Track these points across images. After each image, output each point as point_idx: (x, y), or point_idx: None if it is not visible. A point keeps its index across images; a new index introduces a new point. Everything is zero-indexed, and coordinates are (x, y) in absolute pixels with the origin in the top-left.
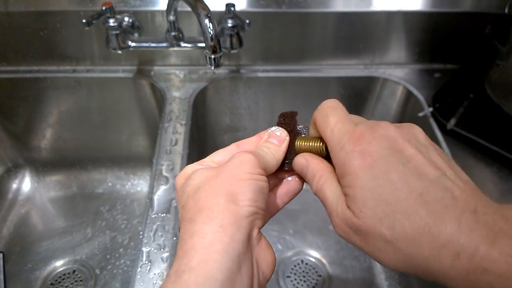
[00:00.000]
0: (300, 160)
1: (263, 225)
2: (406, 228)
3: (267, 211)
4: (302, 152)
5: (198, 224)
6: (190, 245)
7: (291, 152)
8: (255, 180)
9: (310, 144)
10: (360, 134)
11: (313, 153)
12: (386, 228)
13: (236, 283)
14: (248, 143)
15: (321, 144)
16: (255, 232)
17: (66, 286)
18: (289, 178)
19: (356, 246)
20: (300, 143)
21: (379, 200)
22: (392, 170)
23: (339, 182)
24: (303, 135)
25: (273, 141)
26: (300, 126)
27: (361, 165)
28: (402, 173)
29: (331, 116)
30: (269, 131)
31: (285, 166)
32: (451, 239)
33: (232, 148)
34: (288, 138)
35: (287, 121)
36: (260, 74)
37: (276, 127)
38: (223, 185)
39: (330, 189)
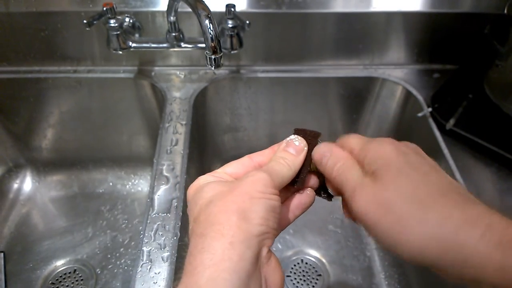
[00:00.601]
0: (322, 148)
1: (272, 244)
2: (437, 199)
3: (278, 226)
4: (318, 171)
5: (208, 239)
6: (199, 261)
7: (304, 171)
8: (267, 199)
9: None
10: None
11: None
12: (417, 199)
13: None
14: (261, 156)
15: None
16: (264, 251)
17: (67, 286)
18: (302, 192)
19: (373, 223)
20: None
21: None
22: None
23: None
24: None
25: (291, 151)
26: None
27: (394, 151)
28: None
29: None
30: (288, 139)
31: (296, 184)
32: (483, 212)
33: (244, 161)
34: (306, 149)
35: (308, 139)
36: (260, 75)
37: (296, 136)
38: (235, 202)
39: (352, 172)
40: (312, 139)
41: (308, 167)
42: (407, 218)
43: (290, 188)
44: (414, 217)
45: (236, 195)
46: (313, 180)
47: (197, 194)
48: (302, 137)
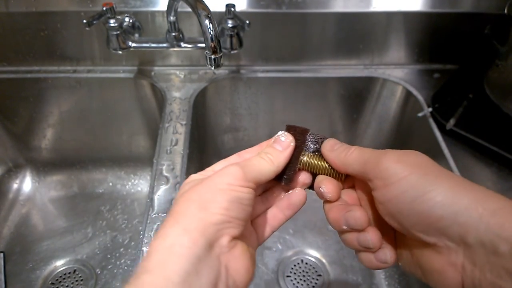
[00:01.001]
0: (333, 140)
1: (237, 233)
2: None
3: (268, 225)
4: (309, 170)
5: (165, 227)
6: (153, 247)
7: (292, 168)
8: (233, 191)
9: (324, 165)
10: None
11: (324, 173)
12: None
13: (193, 286)
14: (249, 153)
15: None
16: (224, 239)
17: (67, 286)
18: (290, 191)
19: (403, 177)
20: (311, 161)
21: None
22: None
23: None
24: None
25: (277, 147)
26: (311, 143)
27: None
28: None
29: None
30: (276, 135)
31: (283, 181)
32: (489, 194)
33: (233, 158)
34: (293, 144)
35: (297, 137)
36: (260, 75)
37: (283, 132)
38: (199, 192)
39: (369, 150)
40: (300, 135)
41: (297, 164)
42: (434, 173)
43: (284, 187)
44: (440, 174)
45: (203, 186)
46: (304, 178)
47: (180, 190)
48: (292, 133)
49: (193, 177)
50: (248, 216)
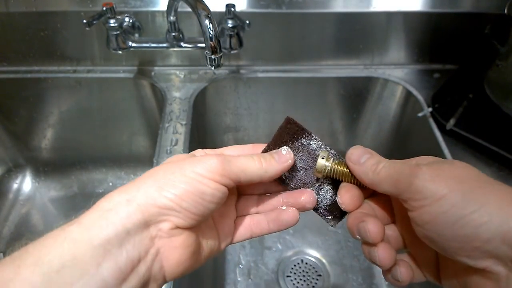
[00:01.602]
0: (360, 149)
1: (188, 225)
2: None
3: (250, 229)
4: (330, 175)
5: (116, 191)
6: (97, 204)
7: (297, 172)
8: (199, 182)
9: (346, 171)
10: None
11: (347, 181)
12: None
13: (111, 255)
14: (237, 149)
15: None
16: (165, 225)
17: None
18: (284, 207)
19: (444, 194)
20: (333, 166)
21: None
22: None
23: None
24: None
25: (275, 156)
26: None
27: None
28: None
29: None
30: (279, 150)
31: (285, 183)
32: None
33: (246, 148)
34: (290, 162)
35: (293, 131)
36: (260, 74)
37: (287, 148)
38: (165, 172)
39: (402, 163)
40: (298, 132)
41: (301, 180)
42: (477, 187)
43: (284, 201)
44: (485, 188)
45: (172, 167)
46: (308, 198)
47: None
48: (288, 126)
49: (181, 156)
50: (209, 212)
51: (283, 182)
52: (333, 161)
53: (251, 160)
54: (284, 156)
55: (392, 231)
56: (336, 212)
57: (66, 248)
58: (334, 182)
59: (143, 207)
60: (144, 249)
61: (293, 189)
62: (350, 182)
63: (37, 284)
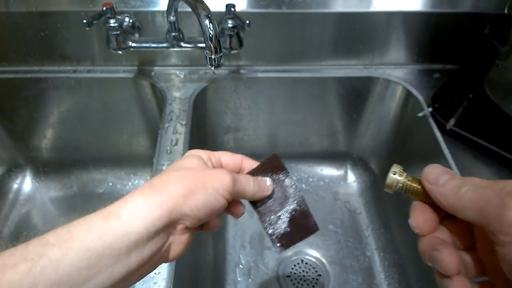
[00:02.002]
0: (438, 168)
1: (191, 227)
2: None
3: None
4: (403, 191)
5: (152, 190)
6: (134, 200)
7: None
8: (214, 197)
9: (422, 190)
10: None
11: (421, 200)
12: None
13: (139, 248)
14: (230, 157)
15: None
16: (180, 227)
17: None
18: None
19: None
20: (407, 183)
21: None
22: None
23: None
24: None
25: (262, 185)
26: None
27: None
28: None
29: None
30: (265, 178)
31: (255, 207)
32: None
33: (239, 158)
34: (267, 193)
35: (274, 166)
36: (260, 74)
37: (271, 180)
38: (191, 182)
39: (486, 190)
40: (278, 168)
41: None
42: None
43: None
44: None
45: (196, 178)
46: (239, 211)
47: (184, 157)
48: (271, 162)
49: (200, 153)
50: (210, 218)
51: (254, 203)
52: (406, 177)
53: (249, 184)
54: (268, 186)
55: (470, 257)
56: (284, 242)
57: (107, 239)
58: (292, 218)
59: (172, 212)
60: (162, 244)
61: (259, 212)
62: (422, 201)
63: (82, 265)
